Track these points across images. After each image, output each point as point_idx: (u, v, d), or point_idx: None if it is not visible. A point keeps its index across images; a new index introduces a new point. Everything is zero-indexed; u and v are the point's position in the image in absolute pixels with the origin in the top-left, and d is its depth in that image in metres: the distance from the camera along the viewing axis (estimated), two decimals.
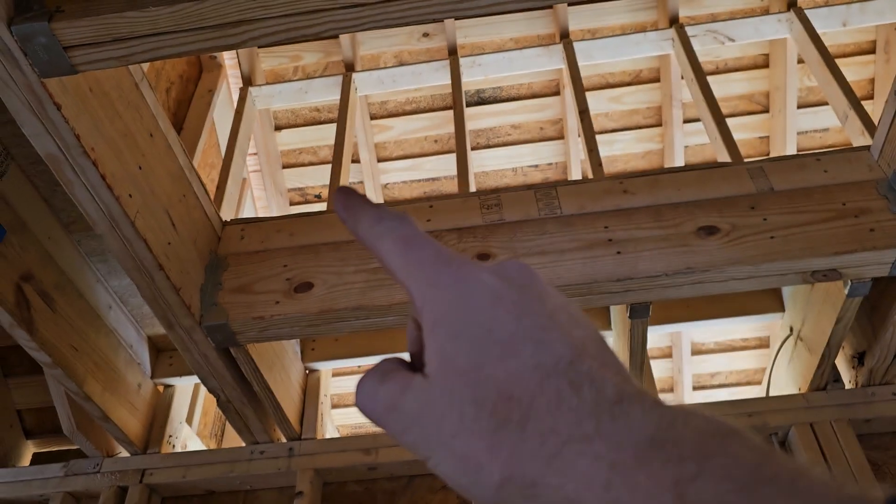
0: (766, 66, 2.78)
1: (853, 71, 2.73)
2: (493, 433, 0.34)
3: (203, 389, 2.18)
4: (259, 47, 2.74)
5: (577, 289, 1.40)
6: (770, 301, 1.79)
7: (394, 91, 2.79)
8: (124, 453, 1.82)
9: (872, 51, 2.74)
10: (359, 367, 3.21)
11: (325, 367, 1.92)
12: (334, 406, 3.29)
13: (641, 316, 1.48)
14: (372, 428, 3.35)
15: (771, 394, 1.84)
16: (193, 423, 2.14)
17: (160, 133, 1.36)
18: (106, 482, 1.74)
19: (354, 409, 3.34)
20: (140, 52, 1.01)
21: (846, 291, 1.43)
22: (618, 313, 1.72)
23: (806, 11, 2.45)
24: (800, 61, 2.66)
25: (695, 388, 3.14)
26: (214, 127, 2.73)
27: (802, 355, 1.68)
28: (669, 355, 3.08)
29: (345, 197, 0.44)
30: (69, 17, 0.99)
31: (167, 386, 1.91)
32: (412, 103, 2.89)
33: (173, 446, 1.86)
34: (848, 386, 1.68)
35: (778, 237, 1.40)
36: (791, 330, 1.73)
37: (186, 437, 1.97)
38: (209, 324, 1.45)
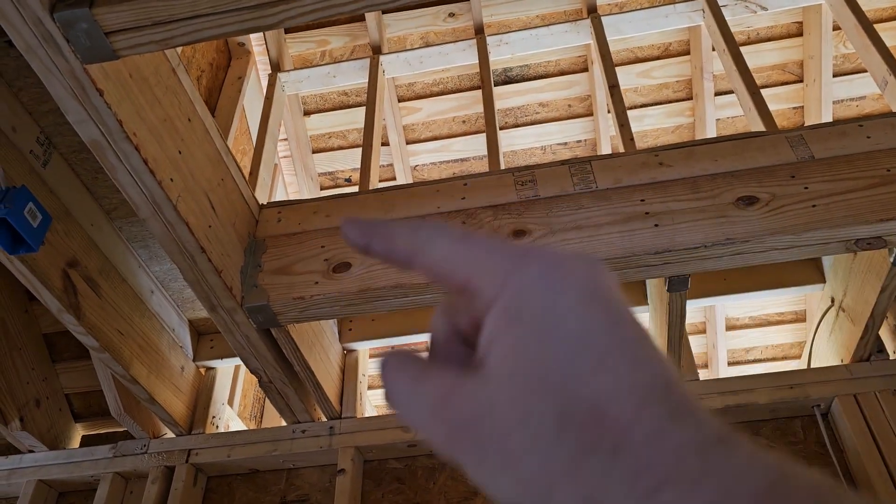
0: (799, 34, 2.73)
1: (891, 36, 2.67)
2: (576, 457, 0.28)
3: (242, 372, 2.22)
4: (290, 31, 2.76)
5: (616, 262, 1.40)
6: (810, 272, 1.77)
7: (421, 72, 2.78)
8: (170, 434, 1.86)
9: None
10: (393, 348, 3.24)
11: (362, 347, 1.94)
12: (370, 387, 3.31)
13: (680, 289, 1.47)
14: None
15: (813, 366, 1.82)
16: (234, 404, 2.18)
17: (198, 118, 1.38)
18: (153, 462, 1.78)
19: None
20: (180, 35, 1.02)
21: (891, 260, 1.41)
22: (654, 287, 1.71)
23: None
24: (835, 28, 2.60)
25: (730, 364, 3.12)
26: (245, 114, 2.76)
27: (845, 326, 1.66)
28: (703, 331, 3.06)
29: (356, 224, 0.38)
30: (109, 2, 1.00)
31: (209, 368, 1.95)
32: (439, 84, 2.88)
33: (217, 427, 1.89)
34: (892, 357, 1.66)
35: (820, 205, 1.38)
36: (832, 301, 1.71)
37: (229, 418, 2.00)
38: (251, 305, 1.47)
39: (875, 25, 2.24)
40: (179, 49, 2.18)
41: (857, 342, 1.61)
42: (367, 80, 2.53)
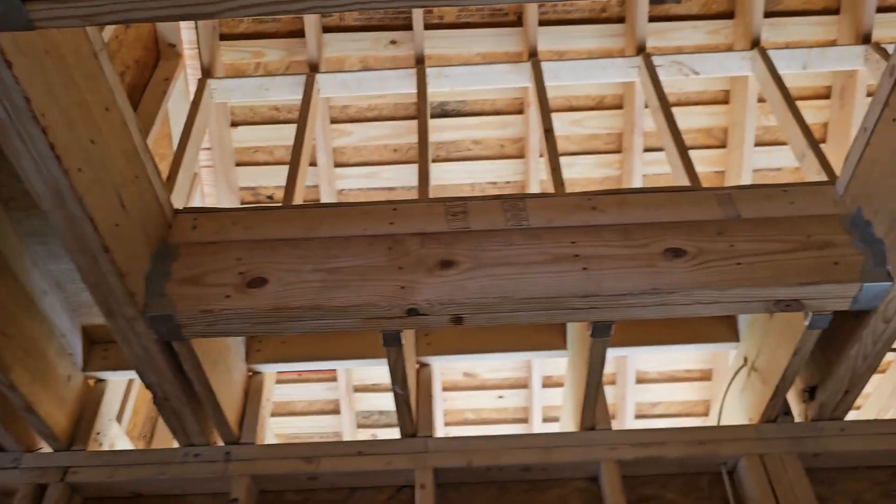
0: (726, 101, 2.84)
1: (808, 114, 2.80)
2: None
3: (135, 387, 2.07)
4: (226, 38, 2.65)
5: (542, 303, 1.37)
6: (725, 330, 1.80)
7: (357, 96, 2.74)
8: (47, 449, 1.69)
9: (828, 96, 2.82)
10: (299, 374, 3.12)
11: (269, 370, 1.84)
12: (274, 414, 3.17)
13: (603, 335, 1.46)
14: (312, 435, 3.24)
15: (722, 423, 1.84)
16: (123, 421, 2.02)
17: (117, 108, 1.28)
18: (24, 478, 1.61)
19: (295, 418, 3.22)
20: (107, 13, 0.94)
21: (806, 323, 1.44)
22: (575, 332, 1.70)
23: (769, 52, 2.51)
24: (759, 100, 2.72)
25: (637, 417, 3.15)
26: (168, 117, 2.63)
27: (755, 386, 1.69)
28: (613, 382, 3.09)
29: None
30: None
31: (99, 380, 1.80)
32: (374, 110, 2.84)
33: (101, 444, 1.74)
34: (797, 420, 1.69)
35: (744, 264, 1.40)
36: (745, 360, 1.74)
37: (115, 436, 1.85)
38: (154, 314, 1.36)
39: (797, 102, 2.35)
40: (106, 35, 2.06)
41: (767, 403, 1.63)
42: (300, 97, 2.46)
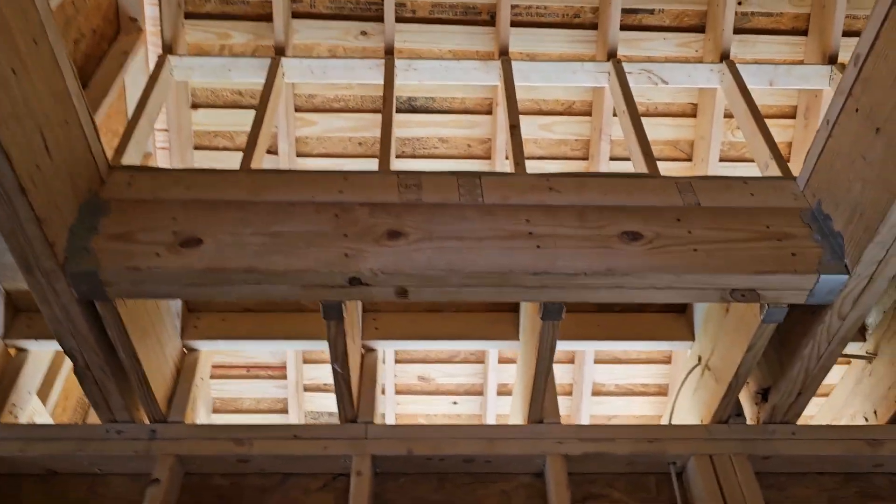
0: (693, 115, 2.83)
1: (773, 133, 2.80)
2: None
3: (67, 364, 1.95)
4: (191, 15, 2.57)
5: (492, 277, 1.31)
6: (680, 328, 1.75)
7: (323, 85, 2.68)
8: None
9: (793, 115, 2.83)
10: (248, 369, 3.01)
11: (206, 348, 1.75)
12: (220, 410, 3.06)
13: (554, 317, 1.40)
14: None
15: (673, 423, 1.79)
16: (50, 400, 1.90)
17: (47, 44, 1.20)
18: None
19: (242, 416, 3.09)
20: None
21: (761, 317, 1.40)
22: (528, 318, 1.64)
23: (737, 66, 2.51)
24: (726, 115, 2.72)
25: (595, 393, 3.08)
26: (124, 92, 2.54)
27: (709, 385, 1.64)
28: (570, 393, 3.03)
29: None
30: None
31: (20, 349, 1.69)
32: (341, 101, 2.78)
33: (16, 417, 1.63)
34: (750, 422, 1.65)
35: (701, 250, 1.35)
36: (699, 359, 1.69)
37: (35, 412, 1.74)
38: (75, 269, 1.27)
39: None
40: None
41: (719, 403, 1.58)
42: (265, 81, 2.39)
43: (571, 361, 2.97)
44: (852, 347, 1.74)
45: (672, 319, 1.76)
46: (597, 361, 2.94)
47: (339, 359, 1.47)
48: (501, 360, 2.94)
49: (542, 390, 1.57)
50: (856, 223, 1.30)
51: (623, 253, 1.34)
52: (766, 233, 1.39)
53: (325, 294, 1.33)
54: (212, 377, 2.99)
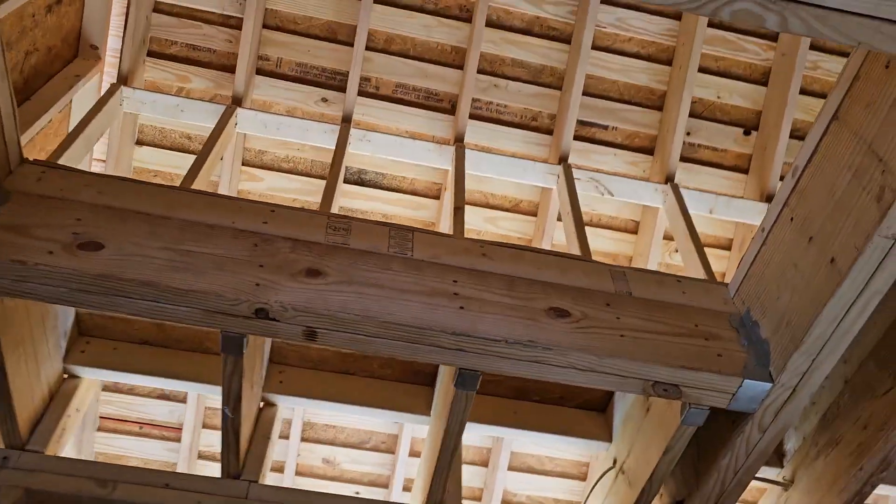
0: (634, 231, 2.88)
1: (712, 261, 2.87)
2: None
3: None
4: (153, 54, 2.53)
5: (409, 331, 1.23)
6: (599, 428, 1.68)
7: (276, 142, 2.65)
8: None
9: (729, 247, 2.90)
10: (140, 426, 2.78)
11: (89, 376, 1.59)
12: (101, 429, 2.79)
13: (468, 387, 1.31)
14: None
15: None
16: None
17: None
18: None
19: None
20: None
21: (681, 418, 1.34)
22: (441, 392, 1.55)
23: (681, 190, 2.59)
24: (666, 238, 2.77)
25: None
26: (69, 113, 2.46)
27: (621, 490, 1.55)
28: (479, 498, 2.87)
29: None
30: None
31: None
32: (291, 161, 2.75)
33: None
34: None
35: (628, 337, 1.31)
36: (615, 462, 1.61)
37: None
38: None
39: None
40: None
41: None
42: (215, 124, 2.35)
43: (485, 465, 2.84)
44: (769, 473, 1.68)
45: (591, 417, 1.69)
46: (510, 468, 2.82)
47: (231, 402, 1.35)
48: (413, 454, 2.79)
49: (445, 470, 1.46)
50: (783, 331, 1.28)
51: (548, 327, 1.29)
52: (695, 331, 1.36)
53: (228, 323, 1.23)
54: (99, 429, 2.76)
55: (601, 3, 2.63)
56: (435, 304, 1.27)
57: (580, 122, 2.71)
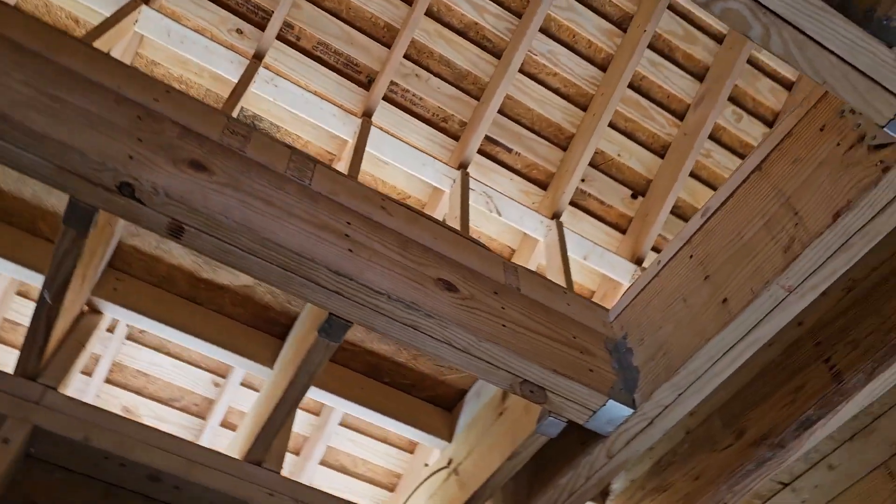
0: (509, 258, 2.87)
1: None
2: None
3: None
4: None
5: (289, 256, 1.10)
6: (442, 425, 1.61)
7: (173, 57, 2.43)
8: None
9: (590, 298, 2.97)
10: None
11: None
12: None
13: (333, 336, 1.19)
14: None
15: None
16: None
17: None
18: None
19: None
20: None
21: (537, 426, 1.29)
22: (295, 341, 1.41)
23: (564, 228, 2.62)
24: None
25: (322, 463, 2.71)
26: None
27: (450, 491, 1.48)
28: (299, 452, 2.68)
29: None
30: None
31: None
32: (183, 83, 2.52)
33: None
34: None
35: (509, 328, 1.25)
36: (450, 462, 1.54)
37: None
38: None
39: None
40: None
41: None
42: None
43: (317, 413, 2.67)
44: None
45: (437, 412, 1.61)
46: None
47: (55, 286, 1.15)
48: (225, 425, 2.57)
49: (277, 426, 1.32)
50: (658, 361, 1.27)
51: (434, 297, 1.20)
52: (572, 341, 1.32)
53: (83, 190, 1.04)
54: None
55: (539, 30, 2.66)
56: (323, 238, 1.16)
57: (488, 138, 2.70)
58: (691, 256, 1.32)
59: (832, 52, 0.90)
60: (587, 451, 1.33)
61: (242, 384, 2.34)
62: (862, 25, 0.89)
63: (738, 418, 1.44)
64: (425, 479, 1.56)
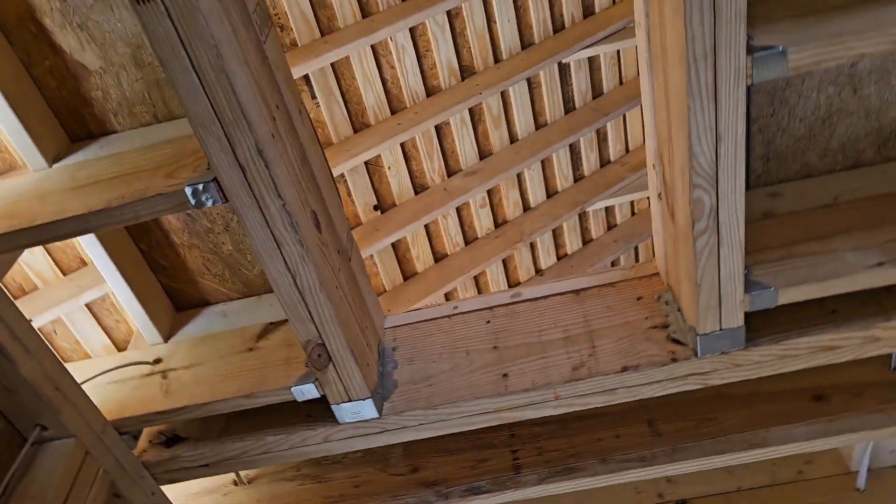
0: None
1: None
2: None
3: None
4: None
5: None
6: (168, 322, 1.48)
7: None
8: None
9: None
10: None
11: None
12: None
13: None
14: None
15: None
16: None
17: None
18: None
19: None
20: None
21: (294, 384, 1.29)
22: None
23: None
24: None
25: None
26: None
27: (148, 390, 1.36)
28: None
29: None
30: None
31: None
32: None
33: None
34: None
35: (341, 291, 1.25)
36: (156, 361, 1.42)
37: None
38: None
39: None
40: None
41: None
42: None
43: None
44: None
45: (168, 307, 1.48)
46: None
47: None
48: None
49: None
50: (420, 388, 1.38)
51: (309, 226, 1.16)
52: (365, 331, 1.36)
53: None
54: None
55: None
56: (259, 108, 1.04)
57: None
58: (488, 322, 1.47)
59: None
60: (311, 426, 1.36)
61: None
62: None
63: (421, 457, 1.60)
64: (124, 365, 1.41)
